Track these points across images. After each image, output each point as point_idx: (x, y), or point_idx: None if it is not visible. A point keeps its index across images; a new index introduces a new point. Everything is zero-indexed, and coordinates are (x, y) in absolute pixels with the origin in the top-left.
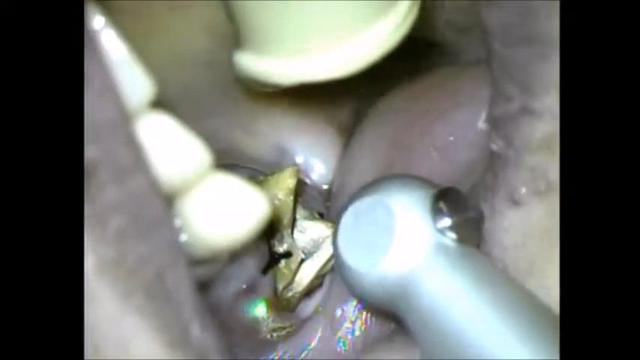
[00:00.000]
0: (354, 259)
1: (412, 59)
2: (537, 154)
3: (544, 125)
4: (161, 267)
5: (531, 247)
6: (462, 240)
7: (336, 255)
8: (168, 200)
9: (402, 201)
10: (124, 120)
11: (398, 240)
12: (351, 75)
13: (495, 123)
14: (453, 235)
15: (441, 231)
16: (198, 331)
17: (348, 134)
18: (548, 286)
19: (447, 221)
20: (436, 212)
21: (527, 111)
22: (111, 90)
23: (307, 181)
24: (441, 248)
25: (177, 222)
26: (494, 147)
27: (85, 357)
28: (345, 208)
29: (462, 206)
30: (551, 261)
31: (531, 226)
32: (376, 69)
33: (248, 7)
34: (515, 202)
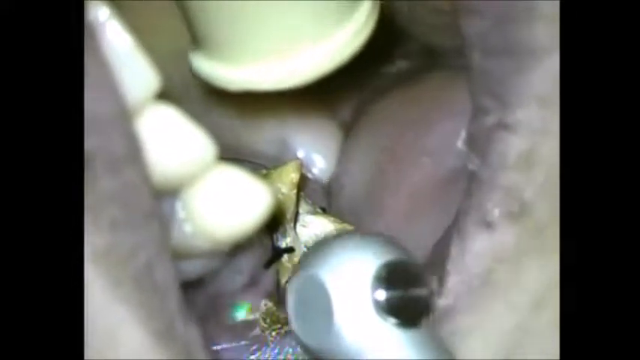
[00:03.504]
0: (304, 333)
1: (411, 56)
2: (512, 173)
3: (520, 141)
4: (150, 259)
5: (501, 272)
6: (402, 320)
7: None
8: (173, 192)
9: (338, 276)
10: (121, 112)
11: (337, 318)
12: (301, 85)
13: (472, 139)
14: (391, 319)
15: (380, 313)
16: (183, 327)
17: (348, 129)
18: (517, 311)
19: (381, 294)
20: (375, 287)
21: (502, 125)
22: (108, 82)
23: (308, 175)
24: (382, 329)
25: (182, 214)
26: (470, 166)
27: None
28: (290, 283)
29: (408, 282)
30: (520, 287)
31: (502, 251)
32: (377, 65)
33: (198, 11)
34: (487, 225)
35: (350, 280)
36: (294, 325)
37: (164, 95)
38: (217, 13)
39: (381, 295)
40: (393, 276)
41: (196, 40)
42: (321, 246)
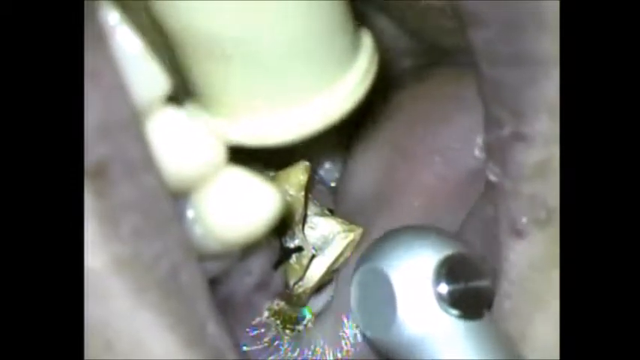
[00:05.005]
0: (367, 326)
1: (418, 57)
2: (533, 181)
3: (536, 151)
4: (175, 264)
5: (537, 280)
6: (464, 312)
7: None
8: (182, 195)
9: (402, 270)
10: (134, 117)
11: (401, 311)
12: (296, 141)
13: (490, 150)
14: (454, 311)
15: (442, 306)
16: (214, 329)
17: (354, 131)
18: (555, 321)
19: (444, 287)
20: (437, 281)
21: (518, 137)
22: (121, 87)
23: (315, 177)
24: (445, 320)
25: (191, 215)
26: (491, 177)
27: (96, 354)
28: (352, 275)
29: (469, 274)
30: (554, 295)
31: (536, 258)
32: (385, 63)
33: (191, 65)
34: (517, 234)
35: (413, 275)
36: (357, 317)
37: (173, 98)
38: (210, 69)
39: (444, 288)
40: (454, 269)
41: (192, 91)
42: (382, 241)
